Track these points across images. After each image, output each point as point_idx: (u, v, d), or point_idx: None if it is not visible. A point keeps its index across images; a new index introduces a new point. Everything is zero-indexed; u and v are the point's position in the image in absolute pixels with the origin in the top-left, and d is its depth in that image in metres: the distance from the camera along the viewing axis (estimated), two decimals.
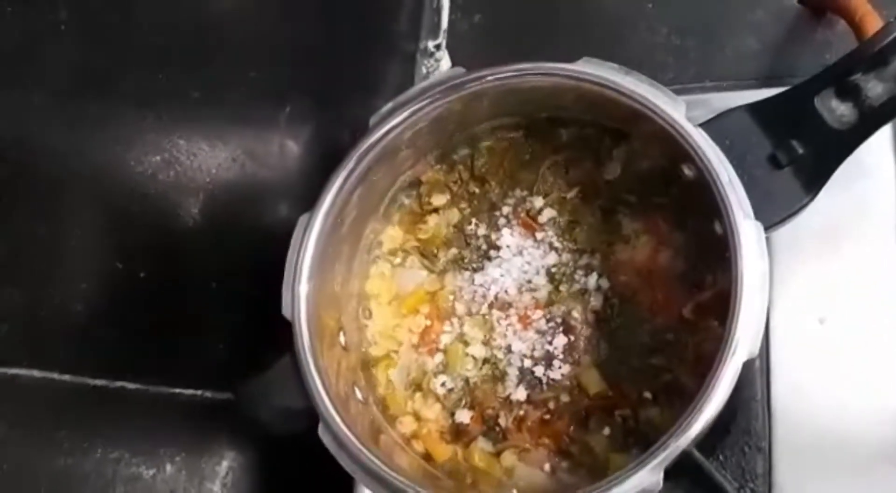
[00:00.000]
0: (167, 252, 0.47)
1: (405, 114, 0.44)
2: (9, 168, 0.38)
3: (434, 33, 0.74)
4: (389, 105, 0.44)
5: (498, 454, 0.44)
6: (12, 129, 0.39)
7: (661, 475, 0.34)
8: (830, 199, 0.48)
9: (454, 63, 0.66)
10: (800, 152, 0.36)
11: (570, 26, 0.62)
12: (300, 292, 0.43)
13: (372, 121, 0.44)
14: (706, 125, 0.38)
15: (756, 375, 0.47)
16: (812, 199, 0.36)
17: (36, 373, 0.39)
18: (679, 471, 0.47)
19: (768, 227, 0.36)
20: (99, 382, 0.42)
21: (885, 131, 0.48)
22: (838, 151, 0.36)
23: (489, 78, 0.42)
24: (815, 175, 0.36)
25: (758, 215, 0.36)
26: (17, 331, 0.38)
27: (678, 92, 0.42)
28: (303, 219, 0.44)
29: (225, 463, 0.51)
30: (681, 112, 0.37)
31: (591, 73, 0.39)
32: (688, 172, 0.40)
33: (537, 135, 0.49)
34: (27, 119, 0.39)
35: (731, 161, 0.37)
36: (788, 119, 0.37)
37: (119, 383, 0.43)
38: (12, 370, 0.38)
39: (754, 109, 0.38)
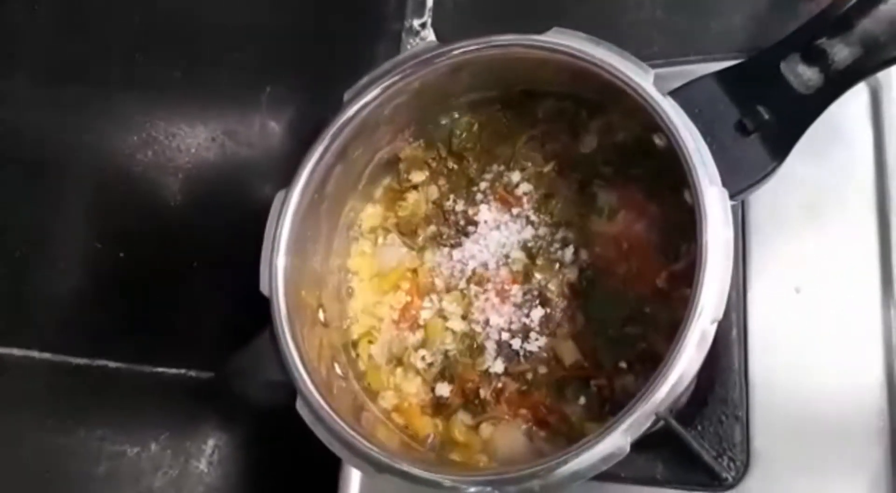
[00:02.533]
0: (147, 232, 0.47)
1: (380, 88, 0.44)
2: None
3: (419, 12, 0.74)
4: (364, 79, 0.44)
5: (477, 426, 0.45)
6: None
7: (629, 439, 0.34)
8: (809, 169, 0.48)
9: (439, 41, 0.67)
10: (766, 118, 0.36)
11: (556, 3, 0.63)
12: (278, 268, 0.43)
13: (346, 96, 0.44)
14: (675, 93, 0.38)
15: (733, 344, 0.48)
16: (779, 164, 0.36)
17: (16, 351, 0.39)
18: (658, 442, 0.47)
19: (736, 193, 0.36)
20: (80, 360, 0.43)
21: (863, 103, 0.49)
22: (804, 116, 0.36)
23: (459, 51, 0.42)
24: (781, 141, 0.36)
25: (725, 182, 0.36)
26: None
27: (661, 65, 0.42)
28: (279, 195, 0.44)
29: (211, 441, 0.51)
30: (648, 80, 0.37)
31: (561, 42, 0.39)
32: (659, 141, 0.40)
33: (514, 109, 0.49)
34: (5, 101, 0.39)
35: (700, 128, 0.37)
36: (755, 85, 0.37)
37: (101, 362, 0.44)
38: None
39: (722, 76, 0.38)
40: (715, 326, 0.35)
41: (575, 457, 0.34)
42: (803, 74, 0.36)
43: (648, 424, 0.35)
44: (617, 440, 0.34)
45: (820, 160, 0.48)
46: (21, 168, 0.41)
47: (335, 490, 0.52)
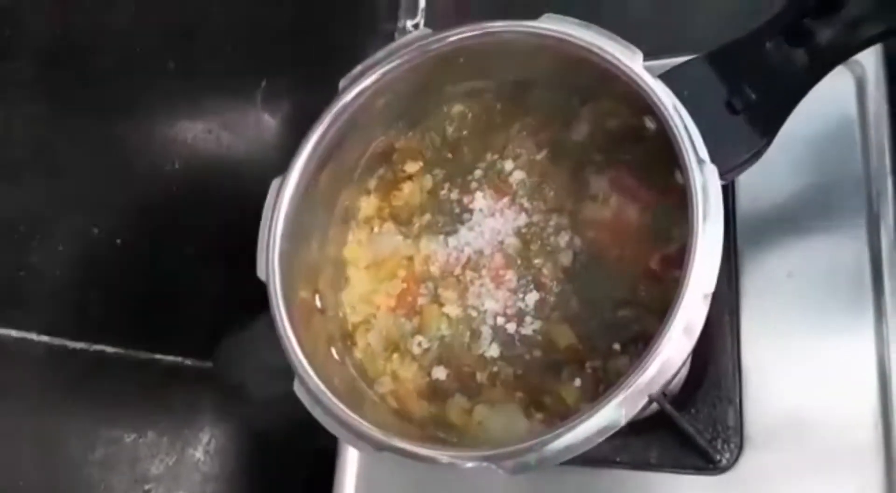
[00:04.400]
0: (143, 220, 0.48)
1: (375, 75, 0.44)
2: None
3: (412, 12, 0.75)
4: (359, 67, 0.45)
5: (472, 409, 0.45)
6: None
7: (623, 411, 0.34)
8: (797, 153, 0.49)
9: None
10: (754, 98, 0.37)
11: (545, 4, 0.63)
12: (275, 253, 0.43)
13: (342, 83, 0.45)
14: (664, 76, 0.39)
15: (726, 328, 0.48)
16: (768, 144, 0.37)
17: (13, 333, 0.39)
18: (652, 426, 0.47)
19: (726, 171, 0.37)
20: (78, 344, 0.43)
21: (849, 85, 0.49)
22: (792, 95, 0.36)
23: (453, 38, 0.43)
24: (769, 120, 0.37)
25: (715, 160, 0.36)
26: None
27: (653, 59, 0.42)
28: (276, 182, 0.44)
29: (208, 430, 0.52)
30: (637, 61, 0.38)
31: (551, 27, 0.40)
32: (650, 124, 0.41)
33: (507, 98, 0.49)
34: (4, 87, 0.40)
35: (689, 110, 0.37)
36: (742, 65, 0.37)
37: (98, 347, 0.44)
38: None
39: (711, 57, 0.38)
40: (708, 302, 0.36)
41: (569, 431, 0.35)
42: (789, 54, 0.36)
43: (644, 401, 0.36)
44: (611, 413, 0.34)
45: (809, 145, 0.49)
46: (18, 152, 0.41)
47: (332, 480, 0.53)
